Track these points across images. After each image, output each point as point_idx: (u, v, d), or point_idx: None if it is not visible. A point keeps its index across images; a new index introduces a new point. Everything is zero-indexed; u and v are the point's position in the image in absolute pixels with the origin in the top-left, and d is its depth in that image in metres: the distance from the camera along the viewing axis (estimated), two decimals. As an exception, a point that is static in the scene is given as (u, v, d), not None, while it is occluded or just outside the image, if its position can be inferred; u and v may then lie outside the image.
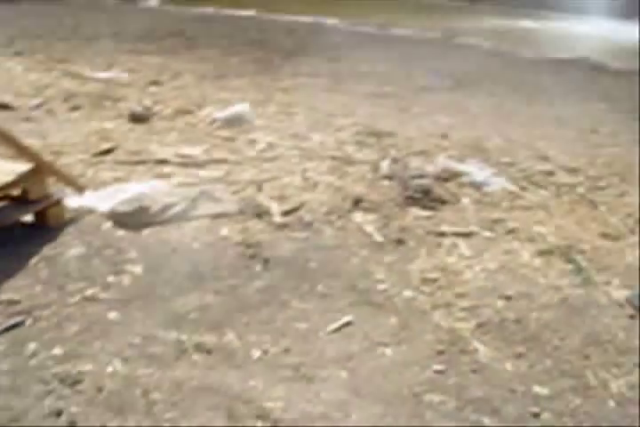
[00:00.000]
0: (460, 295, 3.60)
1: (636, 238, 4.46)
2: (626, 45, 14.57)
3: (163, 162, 5.33)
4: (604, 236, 4.46)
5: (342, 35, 13.11)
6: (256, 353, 3.04)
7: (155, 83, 8.06)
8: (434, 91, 8.56)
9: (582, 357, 3.16)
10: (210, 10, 15.91)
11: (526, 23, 17.24)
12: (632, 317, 3.53)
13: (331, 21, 14.93)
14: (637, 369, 3.09)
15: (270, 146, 5.87)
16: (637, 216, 4.79)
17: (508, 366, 3.06)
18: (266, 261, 3.86)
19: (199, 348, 3.05)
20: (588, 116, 7.70)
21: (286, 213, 4.48)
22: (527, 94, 8.63)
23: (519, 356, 3.13)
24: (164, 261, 3.82)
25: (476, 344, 3.19)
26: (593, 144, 6.57)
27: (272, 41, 11.95)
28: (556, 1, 18.41)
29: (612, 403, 2.87)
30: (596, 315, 3.51)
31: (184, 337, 3.11)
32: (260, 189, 4.90)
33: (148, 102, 7.03)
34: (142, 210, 4.27)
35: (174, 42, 11.23)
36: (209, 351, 3.03)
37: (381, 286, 3.65)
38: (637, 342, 3.29)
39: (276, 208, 4.54)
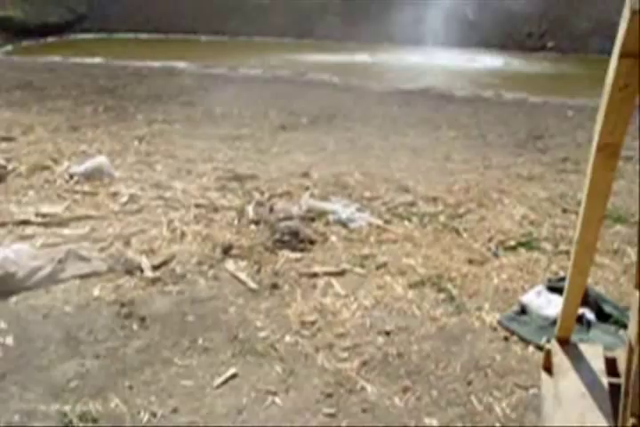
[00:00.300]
0: (341, 335, 3.64)
1: (500, 262, 4.65)
2: (466, 72, 15.30)
3: (24, 223, 5.15)
4: (470, 262, 4.63)
5: (194, 78, 13.10)
6: (144, 417, 2.97)
7: (6, 139, 7.77)
8: (290, 129, 8.68)
9: (465, 383, 3.25)
10: (57, 59, 15.52)
11: (364, 57, 17.76)
12: (506, 339, 3.67)
13: (181, 65, 14.89)
14: (518, 389, 3.21)
15: (133, 198, 5.77)
16: (499, 240, 5.00)
17: (397, 401, 3.11)
18: (142, 319, 3.78)
19: (84, 418, 2.95)
20: (440, 145, 8.00)
21: (157, 267, 4.42)
22: (381, 127, 8.89)
23: (406, 390, 3.19)
24: (36, 328, 3.67)
25: (363, 383, 3.23)
26: (448, 172, 6.83)
27: (124, 88, 11.80)
28: (389, 33, 19.06)
29: (498, 425, 2.97)
30: (472, 341, 3.63)
31: (67, 408, 3.00)
32: (127, 243, 4.81)
33: (1, 160, 6.78)
34: (8, 276, 4.10)
35: (23, 94, 10.91)
36: (95, 420, 2.93)
37: (262, 334, 3.64)
38: (514, 363, 3.42)
39: (146, 262, 4.46)
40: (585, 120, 9.38)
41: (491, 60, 17.34)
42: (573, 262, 2.57)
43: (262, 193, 5.89)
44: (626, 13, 1.71)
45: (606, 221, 5.31)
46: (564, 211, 5.69)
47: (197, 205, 5.57)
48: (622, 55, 1.77)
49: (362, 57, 17.84)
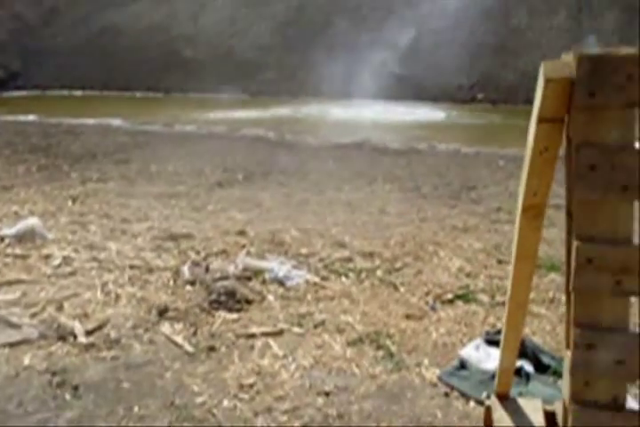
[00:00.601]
0: (280, 398, 3.57)
1: (438, 316, 4.65)
2: (399, 125, 15.58)
3: (-50, 289, 5.00)
4: (408, 317, 4.61)
5: (129, 135, 13.07)
6: None
7: None
8: (226, 186, 8.68)
9: (399, 443, 3.22)
10: (-12, 117, 15.40)
11: (299, 111, 17.98)
12: (447, 394, 3.64)
13: (116, 122, 14.85)
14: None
15: (66, 260, 5.66)
16: (436, 293, 5.02)
17: (338, 465, 3.06)
18: (75, 388, 3.65)
19: None
20: (376, 198, 8.07)
21: (91, 332, 4.30)
22: (317, 182, 8.94)
23: (347, 453, 3.14)
24: (-40, 403, 3.52)
25: (303, 448, 3.17)
26: (384, 225, 6.87)
27: (58, 146, 11.70)
28: (322, 88, 19.39)
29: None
30: (413, 398, 3.59)
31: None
32: (60, 308, 4.68)
33: None
34: None
35: (-48, 155, 10.75)
36: None
37: (199, 399, 3.55)
38: (456, 420, 3.39)
39: (79, 328, 4.34)
40: (516, 170, 9.55)
41: (423, 113, 17.73)
42: (507, 319, 2.58)
43: (198, 252, 5.83)
44: (540, 81, 1.76)
45: (540, 270, 5.38)
46: (500, 262, 5.75)
47: (132, 267, 5.48)
48: (540, 120, 1.81)
49: (296, 111, 18.05)
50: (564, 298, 4.88)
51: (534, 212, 2.08)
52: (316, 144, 12.18)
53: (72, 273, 5.37)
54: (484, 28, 20.60)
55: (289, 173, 9.57)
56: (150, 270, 5.39)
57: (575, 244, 1.84)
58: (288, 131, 13.74)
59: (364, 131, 14.22)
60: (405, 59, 19.72)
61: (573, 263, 1.86)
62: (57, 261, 5.63)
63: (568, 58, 1.74)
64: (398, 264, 5.65)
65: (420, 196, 8.27)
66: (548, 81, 1.72)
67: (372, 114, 17.11)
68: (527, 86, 18.85)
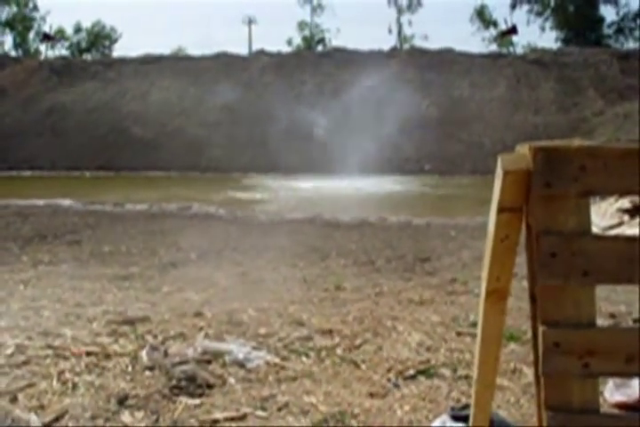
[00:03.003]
0: (246, 487, 3.49)
1: (402, 393, 4.62)
2: (349, 198, 15.75)
3: None
4: (372, 395, 4.57)
5: (80, 215, 12.98)
6: None
7: None
8: (180, 266, 8.64)
9: None
10: None
11: (250, 187, 18.13)
12: (415, 476, 3.60)
13: (66, 202, 14.75)
14: None
15: (19, 349, 5.50)
16: (398, 370, 5.00)
17: None
18: (33, 487, 3.52)
19: None
20: (330, 274, 8.10)
21: (48, 425, 4.17)
22: (271, 258, 8.96)
23: None
24: None
25: None
26: (341, 302, 6.87)
27: (7, 228, 11.55)
28: (272, 164, 19.65)
29: None
30: (381, 481, 3.54)
31: None
32: (14, 400, 4.53)
33: None
34: None
35: None
36: None
37: None
38: None
39: (35, 421, 4.21)
40: (468, 239, 9.72)
41: (371, 185, 17.97)
42: (475, 401, 2.57)
43: (155, 336, 5.74)
44: (499, 171, 1.83)
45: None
46: (459, 334, 5.77)
47: (89, 353, 5.36)
48: (500, 210, 1.87)
49: (246, 187, 18.19)
50: (525, 368, 4.94)
51: (498, 295, 2.12)
52: (268, 220, 12.24)
53: (26, 362, 5.22)
54: (428, 101, 21.17)
55: (242, 250, 9.58)
56: (107, 356, 5.28)
57: (541, 329, 1.88)
58: (239, 207, 13.80)
59: (316, 205, 14.35)
60: (353, 132, 20.09)
61: (541, 348, 1.89)
62: (9, 350, 5.47)
63: (524, 150, 1.82)
64: (358, 341, 5.62)
65: (374, 270, 8.33)
66: (506, 173, 1.80)
67: (324, 188, 17.32)
68: (472, 157, 19.32)
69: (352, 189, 17.34)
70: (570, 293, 1.86)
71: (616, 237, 1.92)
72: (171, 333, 5.83)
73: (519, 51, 46.07)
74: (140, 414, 4.29)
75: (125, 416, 4.27)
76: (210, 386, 4.68)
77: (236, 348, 5.26)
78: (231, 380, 4.82)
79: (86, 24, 60.17)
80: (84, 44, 59.73)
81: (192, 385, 4.63)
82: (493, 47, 53.03)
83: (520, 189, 1.83)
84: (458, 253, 9.07)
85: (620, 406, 4.19)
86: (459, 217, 11.70)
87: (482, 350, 2.30)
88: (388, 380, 4.84)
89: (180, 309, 6.62)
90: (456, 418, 4.06)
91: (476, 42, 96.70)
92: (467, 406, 3.32)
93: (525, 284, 2.07)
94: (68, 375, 4.91)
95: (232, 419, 4.23)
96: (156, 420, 4.22)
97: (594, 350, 1.89)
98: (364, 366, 5.09)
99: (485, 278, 2.07)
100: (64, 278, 8.00)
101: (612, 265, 1.85)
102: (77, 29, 59.79)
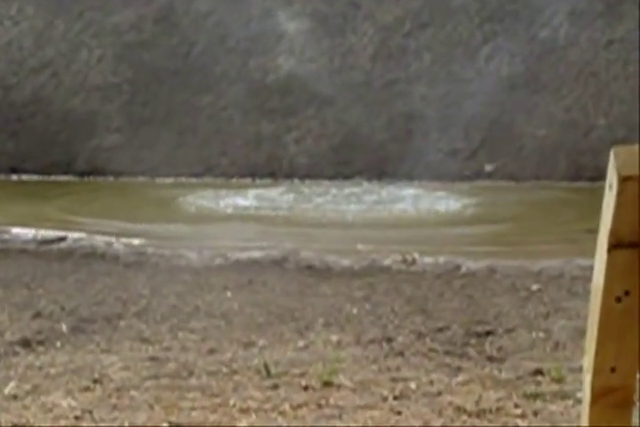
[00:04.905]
0: None
1: None
2: (348, 221, 15.76)
3: None
4: None
5: None
6: None
7: None
8: (40, 347, 8.57)
9: None
10: None
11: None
12: None
13: None
14: None
15: None
16: None
17: None
18: None
19: None
20: (314, 358, 8.07)
21: None
22: (205, 332, 8.93)
23: None
24: None
25: None
26: (333, 412, 6.83)
27: None
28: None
29: None
30: None
31: None
32: None
33: None
34: None
35: None
36: None
37: None
38: None
39: None
40: (562, 297, 9.72)
41: (389, 197, 17.94)
42: None
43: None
44: (611, 178, 1.79)
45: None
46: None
47: None
48: (612, 246, 1.83)
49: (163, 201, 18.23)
50: None
51: (613, 399, 2.10)
52: (201, 261, 12.18)
53: None
54: (490, 48, 21.23)
55: (154, 316, 9.54)
56: None
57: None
58: (152, 236, 13.73)
59: (290, 233, 14.32)
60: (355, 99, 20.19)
61: None
62: None
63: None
64: None
65: (392, 352, 8.29)
66: (624, 180, 1.73)
67: (302, 204, 17.33)
68: (571, 148, 19.30)
69: (351, 205, 17.34)
70: None
71: None
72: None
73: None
74: None
75: None
76: None
77: None
78: None
79: None
80: None
81: None
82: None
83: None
84: (544, 323, 9.01)
85: None
86: (545, 258, 11.66)
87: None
88: None
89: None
90: None
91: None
92: None
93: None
94: None
95: None
96: None
97: None
98: None
99: (590, 369, 2.05)
100: None
101: None
102: None
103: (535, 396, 7.13)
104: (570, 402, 6.79)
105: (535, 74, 20.15)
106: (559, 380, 7.32)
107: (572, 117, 19.65)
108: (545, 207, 17.06)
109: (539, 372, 7.63)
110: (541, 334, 8.68)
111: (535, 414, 6.76)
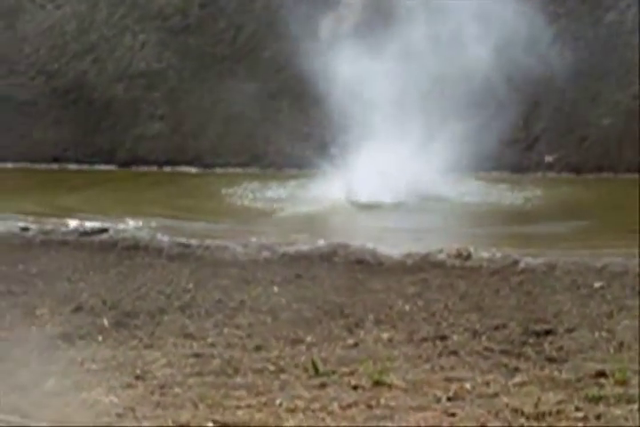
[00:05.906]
0: None
1: None
2: (409, 216, 15.74)
3: None
4: None
5: None
6: None
7: None
8: (79, 341, 8.59)
9: None
10: None
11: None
12: None
13: None
14: None
15: None
16: None
17: None
18: None
19: None
20: (364, 356, 8.01)
21: None
22: (252, 327, 8.91)
23: None
24: None
25: None
26: (384, 412, 6.77)
27: None
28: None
29: None
30: None
31: None
32: None
33: None
34: None
35: None
36: None
37: None
38: None
39: None
40: (627, 295, 9.63)
41: (439, 190, 17.85)
42: None
43: None
44: None
45: None
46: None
47: None
48: None
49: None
50: None
51: None
52: (247, 255, 12.18)
53: None
54: (551, 33, 21.09)
55: (198, 311, 9.53)
56: None
57: None
58: (194, 230, 13.73)
59: (341, 226, 14.28)
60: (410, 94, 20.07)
61: None
62: None
63: None
64: None
65: (446, 351, 8.24)
66: None
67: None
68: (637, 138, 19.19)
69: (405, 198, 17.28)
70: None
71: None
72: None
73: None
74: None
75: None
76: None
77: None
78: None
79: None
80: None
81: None
82: None
83: None
84: (607, 323, 8.93)
85: None
86: (609, 254, 11.57)
87: None
88: None
89: (79, 423, 6.56)
90: None
91: None
92: None
93: None
94: None
95: None
96: None
97: None
98: None
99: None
100: None
101: None
102: None
103: (597, 399, 7.03)
104: (635, 406, 6.70)
105: (600, 59, 20.07)
106: (623, 382, 7.22)
107: (638, 105, 19.53)
108: (607, 201, 16.94)
109: (601, 374, 7.53)
110: (604, 334, 8.59)
111: (598, 417, 6.66)
